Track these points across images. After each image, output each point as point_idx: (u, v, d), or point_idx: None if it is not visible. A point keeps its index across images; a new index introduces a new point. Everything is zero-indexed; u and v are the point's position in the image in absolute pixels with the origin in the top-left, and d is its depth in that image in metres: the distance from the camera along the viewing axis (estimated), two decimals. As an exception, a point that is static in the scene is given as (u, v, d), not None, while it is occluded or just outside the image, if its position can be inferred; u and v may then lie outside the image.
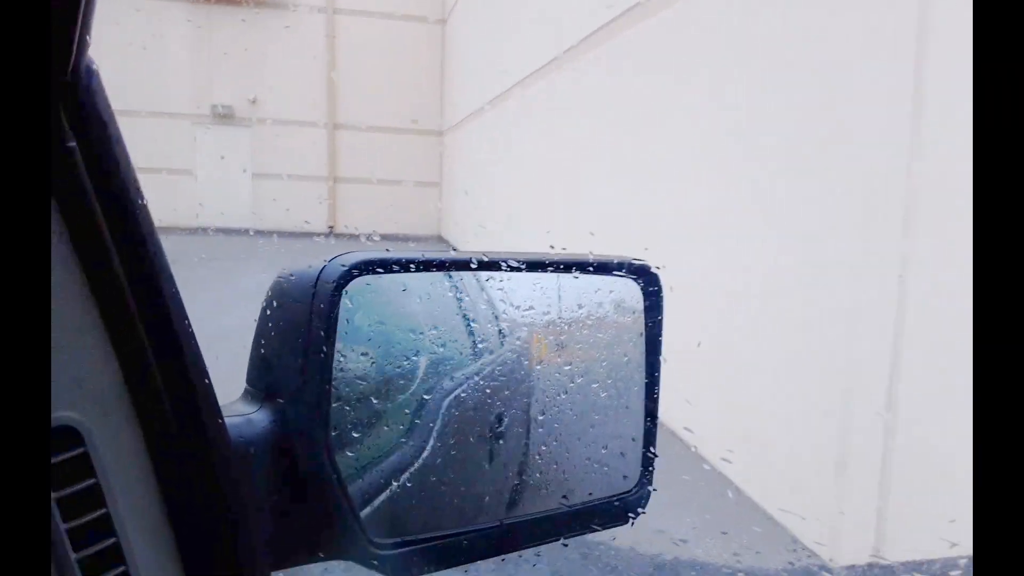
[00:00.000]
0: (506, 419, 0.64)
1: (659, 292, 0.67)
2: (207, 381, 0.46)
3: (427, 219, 16.39)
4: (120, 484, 0.42)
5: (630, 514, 0.68)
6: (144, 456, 0.43)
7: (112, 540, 0.41)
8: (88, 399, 0.41)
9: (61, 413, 0.39)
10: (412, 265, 0.60)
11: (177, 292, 0.44)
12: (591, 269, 0.66)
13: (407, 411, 0.60)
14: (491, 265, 0.62)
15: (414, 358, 0.61)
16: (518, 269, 0.63)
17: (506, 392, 0.64)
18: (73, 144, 0.39)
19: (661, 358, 0.67)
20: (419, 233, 15.58)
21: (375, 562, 0.57)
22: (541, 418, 0.64)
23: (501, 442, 0.64)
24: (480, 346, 0.63)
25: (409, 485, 0.60)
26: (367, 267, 0.58)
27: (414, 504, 0.61)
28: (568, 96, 7.38)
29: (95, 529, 0.41)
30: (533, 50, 8.52)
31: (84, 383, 0.40)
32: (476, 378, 0.63)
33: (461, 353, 0.63)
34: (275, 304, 0.58)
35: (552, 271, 0.65)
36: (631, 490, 0.68)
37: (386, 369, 0.61)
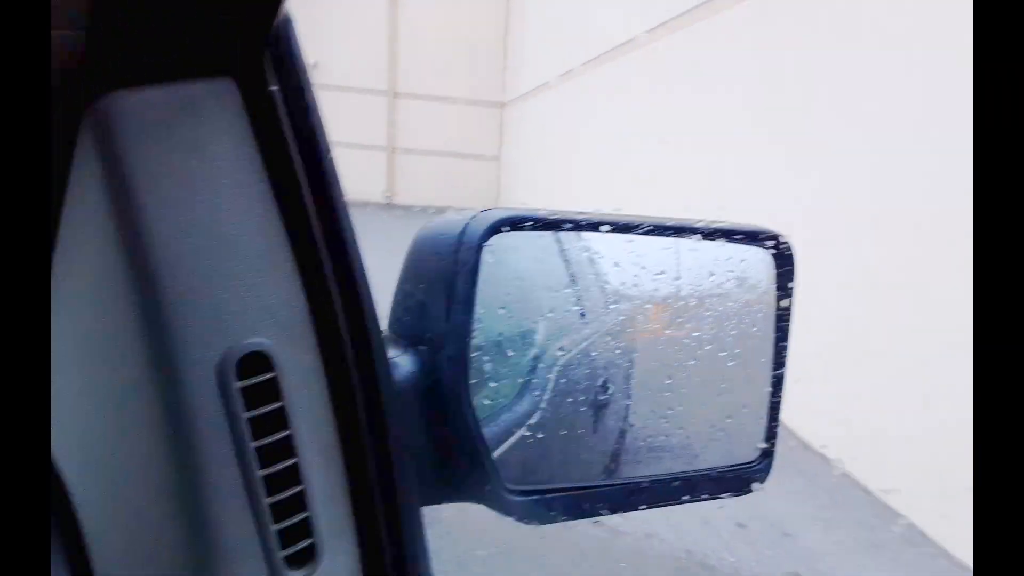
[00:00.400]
0: (632, 380, 0.68)
1: (792, 264, 0.70)
2: (377, 318, 0.51)
3: (485, 194, 16.47)
4: (301, 409, 0.47)
5: (750, 485, 0.71)
6: (323, 384, 0.48)
7: (293, 461, 0.46)
8: (278, 327, 0.46)
9: (254, 339, 0.45)
10: (553, 224, 0.63)
11: (354, 231, 0.49)
12: (724, 236, 0.69)
13: (541, 364, 0.65)
14: (629, 227, 0.65)
15: (548, 315, 0.65)
16: (654, 232, 0.66)
17: (635, 354, 0.67)
18: (275, 88, 0.44)
19: (790, 331, 0.70)
20: (477, 207, 15.60)
21: (507, 506, 0.62)
22: (669, 382, 0.67)
23: (629, 402, 0.67)
24: (612, 306, 0.67)
25: (540, 436, 0.64)
26: (511, 223, 0.62)
27: (541, 454, 0.66)
28: (675, 68, 7.06)
29: (278, 449, 0.46)
30: (626, 19, 8.25)
31: (275, 312, 0.46)
32: (607, 338, 0.66)
33: (591, 311, 0.67)
34: (420, 255, 0.63)
35: (686, 236, 0.68)
36: (753, 461, 0.71)
37: (521, 323, 0.65)
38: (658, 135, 6.94)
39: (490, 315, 0.62)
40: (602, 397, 0.68)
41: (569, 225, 0.65)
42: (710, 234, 0.69)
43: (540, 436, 0.65)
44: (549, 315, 0.65)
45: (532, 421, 0.66)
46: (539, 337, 0.66)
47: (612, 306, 0.67)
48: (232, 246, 0.43)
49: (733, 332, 0.69)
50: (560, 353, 0.65)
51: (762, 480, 0.73)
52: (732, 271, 0.69)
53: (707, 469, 0.70)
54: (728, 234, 0.70)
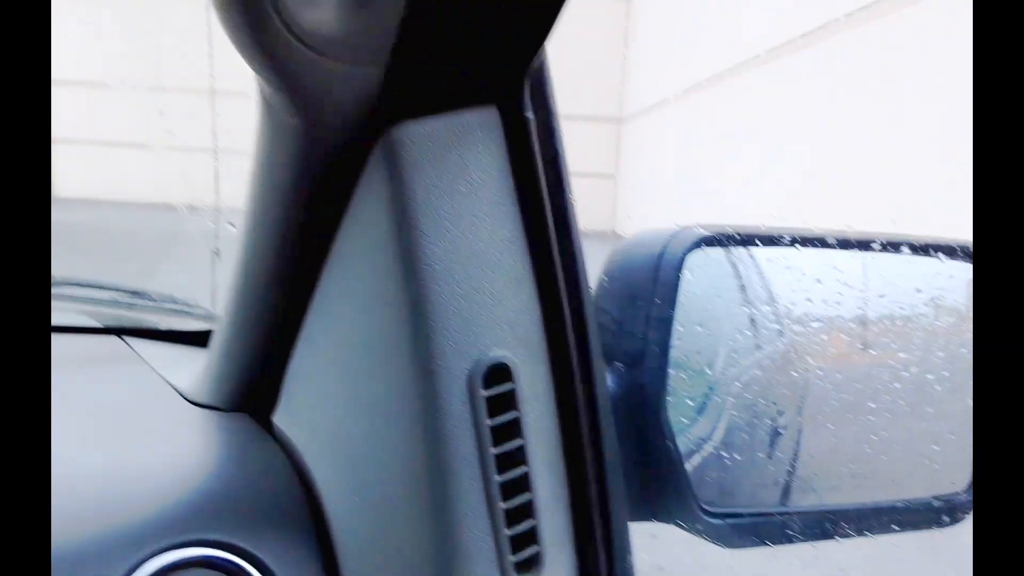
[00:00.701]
0: (832, 401, 0.67)
1: (1006, 281, 0.67)
2: (598, 338, 0.53)
3: (600, 213, 16.43)
4: (532, 420, 0.50)
5: (955, 518, 0.68)
6: (551, 398, 0.51)
7: (524, 470, 0.49)
8: (518, 341, 0.49)
9: (499, 351, 0.48)
10: (752, 240, 0.64)
11: (584, 253, 0.52)
12: (929, 251, 0.67)
13: (735, 382, 0.65)
14: (829, 243, 0.65)
15: (746, 332, 0.66)
16: (855, 247, 0.65)
17: (837, 374, 0.67)
18: (530, 115, 0.48)
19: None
20: (591, 227, 15.55)
21: (701, 527, 0.63)
22: (872, 406, 0.66)
23: (831, 426, 0.67)
24: (813, 324, 0.67)
25: (733, 456, 0.65)
26: (710, 241, 0.63)
27: (734, 475, 0.66)
28: (829, 79, 6.61)
29: (511, 457, 0.49)
30: (767, 26, 7.84)
31: (516, 327, 0.49)
32: (806, 357, 0.66)
33: (788, 328, 0.67)
34: (616, 273, 0.65)
35: (889, 251, 0.67)
36: (959, 492, 0.68)
37: (717, 340, 0.66)
38: (807, 152, 6.58)
39: (687, 332, 0.64)
40: (799, 417, 0.68)
41: (768, 241, 0.65)
42: (915, 249, 0.68)
43: (733, 456, 0.66)
44: (746, 332, 0.66)
45: (723, 440, 0.66)
46: (735, 354, 0.67)
47: (813, 324, 0.67)
48: (485, 262, 0.47)
49: (941, 354, 0.67)
50: (758, 372, 0.65)
51: (967, 513, 0.70)
52: (941, 288, 0.67)
53: (910, 499, 0.68)
54: (934, 249, 0.68)
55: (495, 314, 0.48)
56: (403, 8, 0.40)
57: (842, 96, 6.00)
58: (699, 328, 0.64)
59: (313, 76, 0.41)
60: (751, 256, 0.69)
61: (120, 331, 0.91)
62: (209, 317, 1.00)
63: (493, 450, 0.48)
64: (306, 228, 0.52)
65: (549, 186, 0.49)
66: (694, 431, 0.66)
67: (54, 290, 0.97)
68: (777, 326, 0.66)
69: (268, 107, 0.46)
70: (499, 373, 0.48)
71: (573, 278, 0.51)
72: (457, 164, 0.46)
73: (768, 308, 0.66)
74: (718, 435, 0.66)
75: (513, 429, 0.49)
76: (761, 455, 0.66)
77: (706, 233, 0.63)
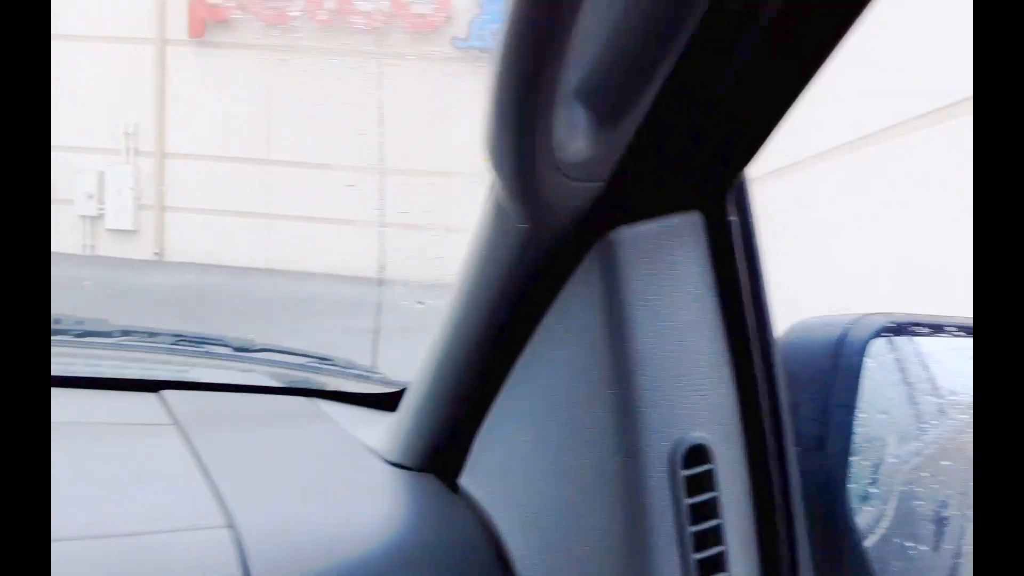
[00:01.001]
0: None
1: None
2: (790, 422, 0.56)
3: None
4: (729, 500, 0.53)
5: None
6: (746, 480, 0.54)
7: (721, 549, 0.52)
8: (716, 424, 0.52)
9: (698, 433, 0.51)
10: (940, 329, 0.65)
11: (777, 343, 0.55)
12: None
13: (923, 472, 0.65)
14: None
15: (932, 422, 0.66)
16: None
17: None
18: (734, 219, 0.52)
19: None
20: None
21: None
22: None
23: None
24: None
25: (923, 547, 0.64)
26: (893, 328, 0.64)
27: (918, 568, 0.65)
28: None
29: (708, 537, 0.52)
30: (876, 103, 7.50)
31: (714, 411, 0.53)
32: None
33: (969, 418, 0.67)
34: (791, 355, 0.67)
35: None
36: None
37: (897, 428, 0.66)
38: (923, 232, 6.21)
39: (869, 419, 0.65)
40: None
41: (954, 331, 0.66)
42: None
43: (917, 546, 0.65)
44: (932, 421, 0.66)
45: (903, 529, 0.66)
46: (916, 442, 0.67)
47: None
48: (687, 350, 0.51)
49: None
50: (945, 463, 0.65)
51: None
52: None
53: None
54: None
55: (695, 397, 0.51)
56: (634, 134, 0.46)
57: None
58: (881, 415, 0.65)
59: (555, 194, 0.47)
60: (924, 347, 0.70)
61: (308, 392, 1.00)
62: (386, 382, 1.08)
63: (691, 528, 0.50)
64: (517, 311, 0.58)
65: (749, 282, 0.53)
66: (872, 517, 0.66)
67: (254, 355, 1.08)
68: (964, 416, 0.66)
69: (500, 210, 0.53)
70: (697, 454, 0.51)
71: (768, 365, 0.54)
72: (665, 262, 0.51)
73: (954, 397, 0.66)
74: (897, 523, 0.66)
75: (710, 509, 0.52)
76: (947, 546, 0.65)
77: (888, 322, 0.65)
